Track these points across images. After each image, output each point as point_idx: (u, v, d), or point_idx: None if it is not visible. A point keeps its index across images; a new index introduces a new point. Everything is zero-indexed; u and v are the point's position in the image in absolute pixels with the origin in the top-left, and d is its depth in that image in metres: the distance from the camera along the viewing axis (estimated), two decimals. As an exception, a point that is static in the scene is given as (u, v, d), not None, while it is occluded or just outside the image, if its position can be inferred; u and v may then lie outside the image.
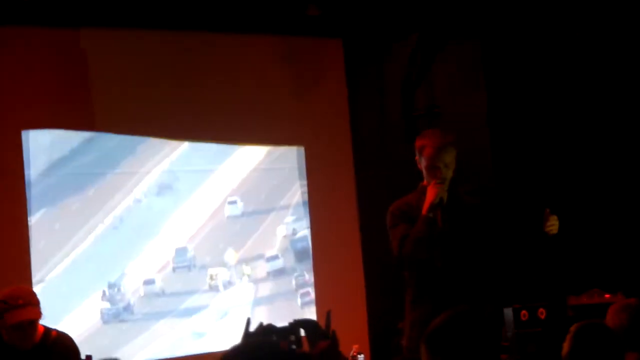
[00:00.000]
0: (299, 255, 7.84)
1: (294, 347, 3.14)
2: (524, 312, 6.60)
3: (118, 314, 7.08)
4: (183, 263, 7.29)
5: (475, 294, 4.90)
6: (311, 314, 7.54)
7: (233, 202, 7.61)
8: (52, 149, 6.96)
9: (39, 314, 4.90)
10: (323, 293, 7.75)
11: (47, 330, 5.01)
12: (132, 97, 7.24)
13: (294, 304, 7.74)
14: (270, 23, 7.64)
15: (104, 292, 7.06)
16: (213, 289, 7.42)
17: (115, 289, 7.07)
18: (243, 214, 7.62)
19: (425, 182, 5.03)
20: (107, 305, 7.06)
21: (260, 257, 7.67)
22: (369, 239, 7.85)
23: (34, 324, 4.89)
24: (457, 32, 7.72)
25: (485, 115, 7.64)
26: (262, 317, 7.33)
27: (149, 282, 7.19)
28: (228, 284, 7.50)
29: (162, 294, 7.24)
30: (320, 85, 7.93)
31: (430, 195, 4.86)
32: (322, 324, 3.20)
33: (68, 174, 7.01)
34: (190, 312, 7.34)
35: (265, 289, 7.67)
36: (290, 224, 7.86)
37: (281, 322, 2.99)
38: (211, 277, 7.40)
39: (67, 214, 6.97)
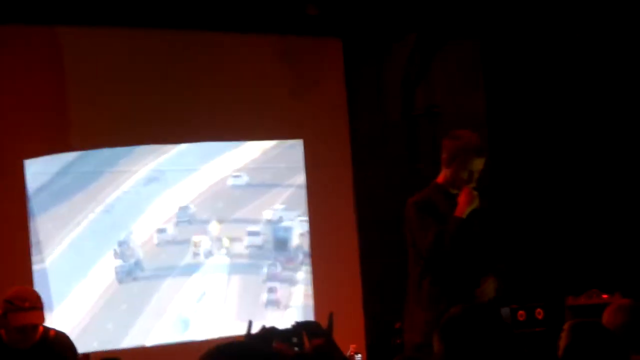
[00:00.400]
0: (278, 244, 7.75)
1: (296, 349, 3.15)
2: (521, 312, 6.61)
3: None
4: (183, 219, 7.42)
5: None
6: (274, 316, 7.52)
7: (238, 176, 7.67)
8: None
9: (42, 319, 4.90)
10: (320, 293, 7.74)
11: (46, 329, 5.02)
12: (128, 103, 7.22)
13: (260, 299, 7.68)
14: (269, 22, 7.63)
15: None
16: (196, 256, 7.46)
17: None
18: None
19: (440, 179, 5.04)
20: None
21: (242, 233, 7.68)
22: (366, 238, 7.85)
23: (36, 328, 4.90)
24: (456, 32, 7.72)
25: (485, 115, 7.64)
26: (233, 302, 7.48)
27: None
28: (209, 254, 7.52)
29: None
30: (320, 85, 7.92)
31: (468, 200, 4.86)
32: (323, 324, 3.22)
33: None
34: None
35: (240, 267, 7.65)
36: (279, 212, 7.81)
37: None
38: (195, 245, 7.47)
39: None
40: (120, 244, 7.20)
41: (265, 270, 7.68)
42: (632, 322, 4.04)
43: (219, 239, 7.55)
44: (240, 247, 7.62)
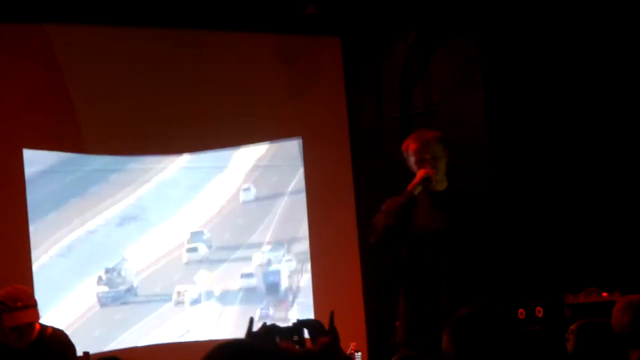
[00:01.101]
0: (269, 288, 7.77)
1: (297, 347, 3.15)
2: (521, 310, 6.60)
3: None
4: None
5: (466, 293, 4.91)
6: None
7: (247, 189, 7.68)
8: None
9: (37, 316, 4.89)
10: (320, 290, 7.74)
11: (43, 327, 5.00)
12: (124, 107, 7.24)
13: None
14: (268, 21, 7.64)
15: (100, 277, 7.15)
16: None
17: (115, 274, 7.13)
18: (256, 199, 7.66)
19: (410, 186, 5.07)
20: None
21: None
22: (366, 236, 7.84)
23: (32, 326, 4.88)
24: (454, 31, 7.72)
25: (483, 113, 7.63)
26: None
27: None
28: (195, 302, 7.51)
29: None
30: (318, 84, 7.93)
31: (419, 175, 4.94)
32: (324, 323, 3.22)
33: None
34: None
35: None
36: (267, 253, 7.81)
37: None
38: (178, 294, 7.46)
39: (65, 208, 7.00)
40: (108, 270, 7.18)
41: (257, 314, 7.67)
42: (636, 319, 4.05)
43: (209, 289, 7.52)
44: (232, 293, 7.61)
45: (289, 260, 7.82)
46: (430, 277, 4.95)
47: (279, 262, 7.80)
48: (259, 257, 7.77)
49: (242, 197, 7.71)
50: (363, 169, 8.02)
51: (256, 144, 7.78)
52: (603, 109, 7.43)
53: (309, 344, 3.18)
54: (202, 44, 7.58)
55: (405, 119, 7.92)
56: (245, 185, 7.71)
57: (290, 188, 7.89)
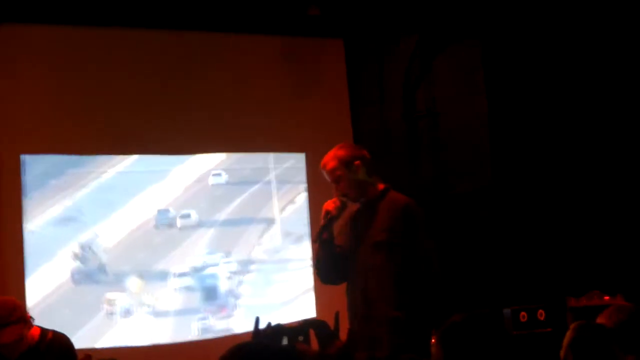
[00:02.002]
0: (206, 293, 7.40)
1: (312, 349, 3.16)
2: (523, 313, 6.60)
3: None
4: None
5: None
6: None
7: (218, 174, 7.57)
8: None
9: (17, 334, 4.71)
10: (323, 295, 7.73)
11: (44, 332, 4.92)
12: (125, 110, 7.24)
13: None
14: (270, 23, 7.64)
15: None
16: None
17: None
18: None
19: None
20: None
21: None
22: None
23: (17, 342, 4.73)
24: (457, 33, 7.72)
25: (486, 116, 7.63)
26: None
27: None
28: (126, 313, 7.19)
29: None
30: (322, 86, 7.92)
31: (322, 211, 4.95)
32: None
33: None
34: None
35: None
36: (202, 257, 7.50)
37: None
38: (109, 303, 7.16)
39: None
40: (83, 246, 7.10)
41: (196, 326, 7.34)
42: (627, 323, 4.04)
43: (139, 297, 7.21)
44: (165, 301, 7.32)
45: (228, 263, 7.50)
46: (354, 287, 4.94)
47: (217, 264, 7.49)
48: (192, 260, 7.49)
49: (212, 181, 7.57)
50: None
51: (256, 153, 7.76)
52: (606, 111, 7.43)
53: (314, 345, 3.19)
54: (205, 46, 7.57)
55: (409, 121, 7.92)
56: (216, 171, 7.60)
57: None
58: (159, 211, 7.38)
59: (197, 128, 7.44)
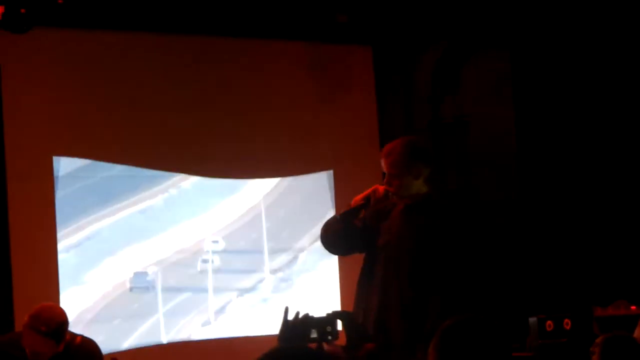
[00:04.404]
0: None
1: (329, 338, 3.21)
2: (549, 322, 6.58)
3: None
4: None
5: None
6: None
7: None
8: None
9: (53, 349, 4.73)
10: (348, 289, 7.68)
11: (72, 336, 4.90)
12: (151, 121, 7.30)
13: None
14: (298, 30, 7.66)
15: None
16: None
17: None
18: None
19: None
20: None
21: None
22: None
23: (47, 353, 4.75)
24: (485, 41, 7.72)
25: (513, 124, 7.62)
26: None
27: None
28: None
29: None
30: (349, 93, 7.92)
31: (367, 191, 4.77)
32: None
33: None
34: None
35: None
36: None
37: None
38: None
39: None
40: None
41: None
42: None
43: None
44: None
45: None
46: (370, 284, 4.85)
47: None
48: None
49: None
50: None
51: (280, 177, 7.81)
52: (635, 124, 7.41)
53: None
54: (232, 52, 7.61)
55: (435, 130, 7.91)
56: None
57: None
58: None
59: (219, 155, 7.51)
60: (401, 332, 4.54)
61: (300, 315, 3.23)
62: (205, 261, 7.48)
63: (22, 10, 6.08)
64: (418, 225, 4.65)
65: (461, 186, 7.76)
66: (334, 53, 7.90)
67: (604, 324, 6.44)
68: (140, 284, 7.27)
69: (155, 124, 7.29)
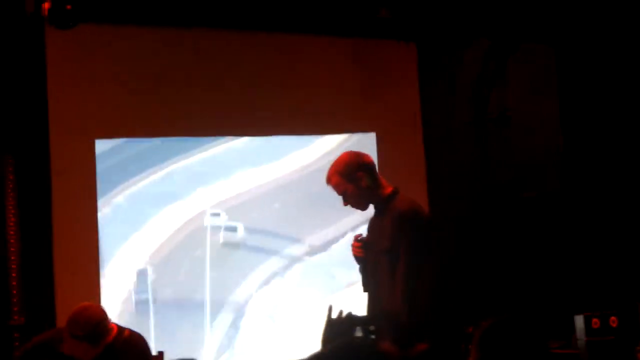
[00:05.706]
0: None
1: (372, 337, 3.22)
2: (595, 319, 6.52)
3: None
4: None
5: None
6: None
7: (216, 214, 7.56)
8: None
9: (90, 353, 4.75)
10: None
11: (120, 330, 4.91)
12: (201, 97, 7.40)
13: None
14: (341, 25, 7.66)
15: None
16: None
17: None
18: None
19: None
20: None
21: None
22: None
23: (81, 357, 4.77)
24: (530, 37, 7.67)
25: (558, 120, 7.58)
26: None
27: None
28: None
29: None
30: (393, 88, 7.92)
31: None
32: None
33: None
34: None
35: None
36: None
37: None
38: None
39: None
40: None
41: None
42: None
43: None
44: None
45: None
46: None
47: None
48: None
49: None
50: (436, 174, 7.97)
51: (327, 135, 7.81)
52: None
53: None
54: (277, 46, 7.66)
55: (480, 124, 7.88)
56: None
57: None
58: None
59: (266, 120, 7.55)
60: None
61: (344, 314, 3.23)
62: None
63: (68, 7, 6.14)
64: (384, 227, 4.68)
65: (505, 181, 7.72)
66: (378, 49, 7.90)
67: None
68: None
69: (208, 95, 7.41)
